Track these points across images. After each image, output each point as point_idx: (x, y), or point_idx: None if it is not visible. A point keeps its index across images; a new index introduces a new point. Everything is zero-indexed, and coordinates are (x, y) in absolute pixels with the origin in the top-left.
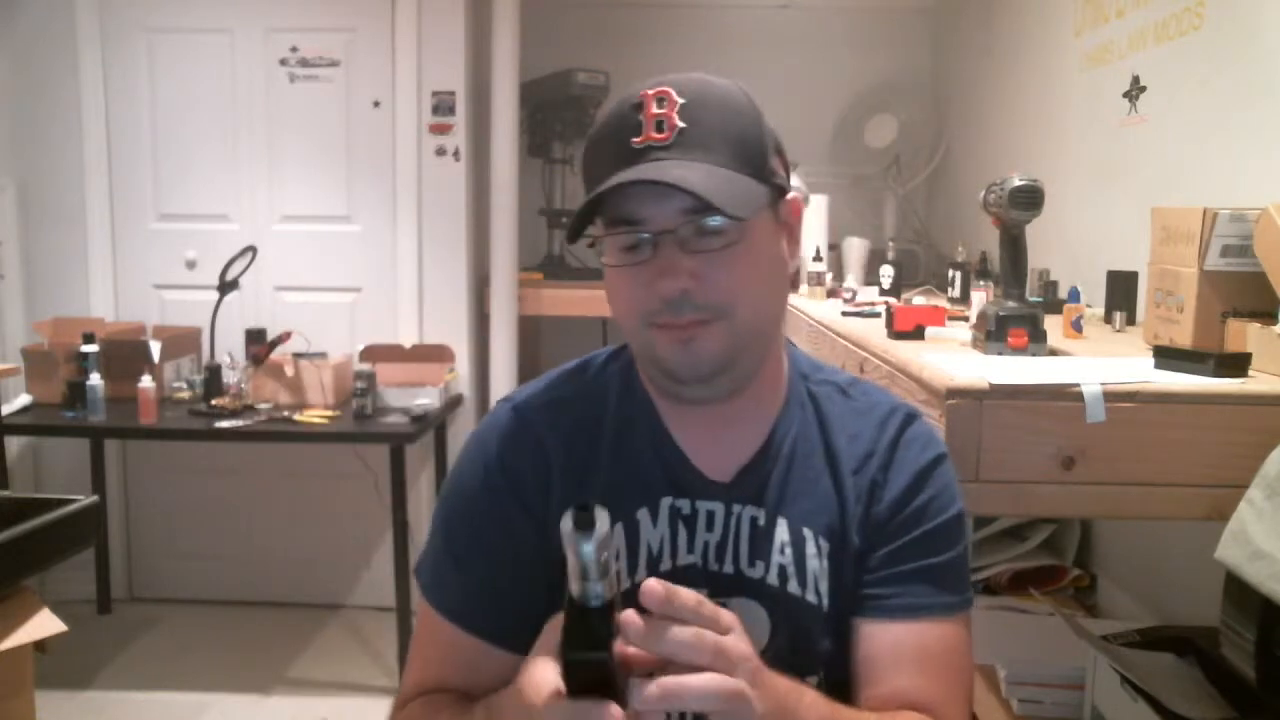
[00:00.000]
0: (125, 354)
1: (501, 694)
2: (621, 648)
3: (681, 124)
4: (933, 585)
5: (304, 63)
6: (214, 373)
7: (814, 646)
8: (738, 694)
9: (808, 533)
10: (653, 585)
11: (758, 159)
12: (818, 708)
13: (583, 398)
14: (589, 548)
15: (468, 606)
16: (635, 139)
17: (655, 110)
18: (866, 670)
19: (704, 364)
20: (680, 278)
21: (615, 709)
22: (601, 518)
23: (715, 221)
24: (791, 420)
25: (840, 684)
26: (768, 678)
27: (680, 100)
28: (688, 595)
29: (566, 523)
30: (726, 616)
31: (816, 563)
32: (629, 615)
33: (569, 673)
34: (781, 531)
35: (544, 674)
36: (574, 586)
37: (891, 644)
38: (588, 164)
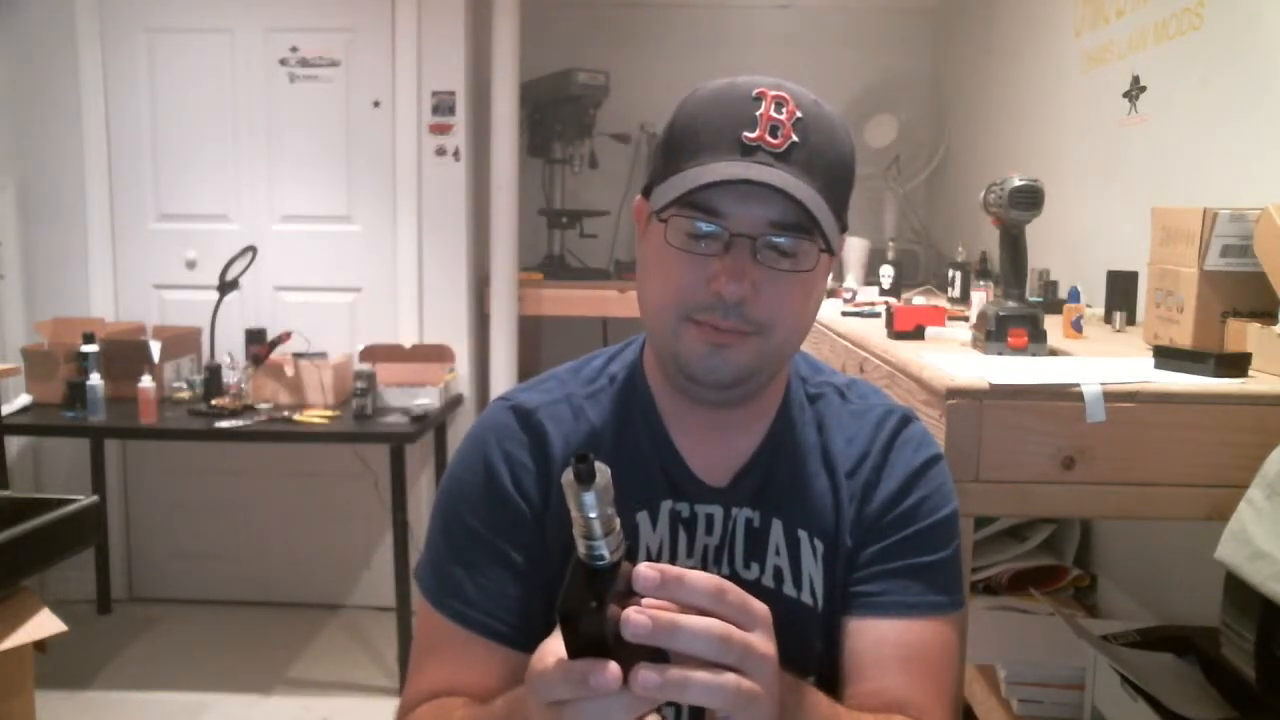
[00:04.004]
0: (125, 354)
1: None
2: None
3: (795, 138)
4: (921, 584)
5: (304, 63)
6: (214, 373)
7: (808, 648)
8: (753, 697)
9: (803, 534)
10: (645, 570)
11: (843, 196)
12: (819, 709)
13: (581, 398)
14: (590, 498)
15: (471, 607)
16: (749, 134)
17: (773, 113)
18: (851, 666)
19: (727, 373)
20: (745, 284)
21: (614, 667)
22: (602, 470)
23: (796, 244)
24: (789, 423)
25: (834, 686)
26: (780, 677)
27: (798, 113)
28: (703, 580)
29: (567, 475)
30: (759, 608)
31: (812, 564)
32: (630, 612)
33: (566, 632)
34: (777, 533)
35: (551, 643)
36: (579, 546)
37: (875, 641)
38: (681, 134)
